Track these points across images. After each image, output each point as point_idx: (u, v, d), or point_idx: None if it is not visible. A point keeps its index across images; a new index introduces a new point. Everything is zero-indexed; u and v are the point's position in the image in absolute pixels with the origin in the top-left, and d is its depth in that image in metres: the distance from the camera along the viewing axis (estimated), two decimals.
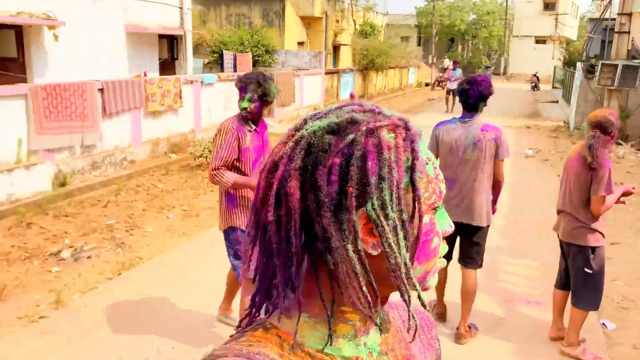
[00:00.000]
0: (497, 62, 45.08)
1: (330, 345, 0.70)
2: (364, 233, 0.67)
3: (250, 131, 3.28)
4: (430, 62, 34.75)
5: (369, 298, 0.67)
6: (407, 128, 0.70)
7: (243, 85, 3.20)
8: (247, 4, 19.79)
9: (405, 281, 0.67)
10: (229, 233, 3.37)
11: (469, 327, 3.81)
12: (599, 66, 11.23)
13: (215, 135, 3.27)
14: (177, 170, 8.84)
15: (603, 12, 14.29)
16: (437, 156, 3.63)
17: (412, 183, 0.67)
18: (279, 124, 12.84)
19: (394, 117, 0.71)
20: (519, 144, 11.73)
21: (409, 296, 0.68)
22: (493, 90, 3.53)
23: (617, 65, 10.96)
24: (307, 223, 0.67)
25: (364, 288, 0.67)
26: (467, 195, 3.55)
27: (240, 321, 0.75)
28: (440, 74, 30.36)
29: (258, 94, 3.20)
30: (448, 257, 3.78)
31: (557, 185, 3.93)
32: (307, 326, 0.71)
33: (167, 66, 13.25)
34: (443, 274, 3.84)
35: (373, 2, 25.31)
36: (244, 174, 3.26)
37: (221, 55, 15.57)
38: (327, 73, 17.77)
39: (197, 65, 15.59)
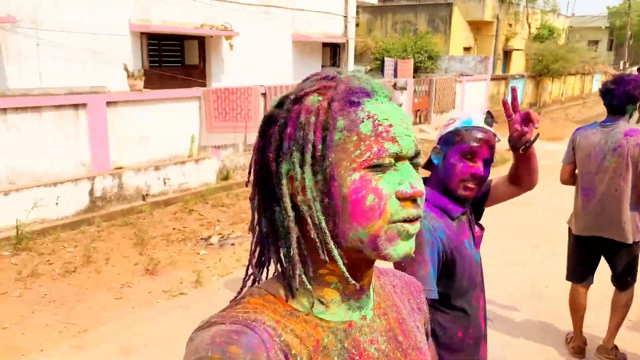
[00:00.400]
0: None
1: (318, 309, 0.72)
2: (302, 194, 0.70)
3: None
4: (621, 67, 30.78)
5: (325, 255, 0.70)
6: (337, 88, 0.70)
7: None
8: (413, 10, 19.71)
9: (320, 241, 0.69)
10: None
11: (615, 349, 3.33)
12: None
13: None
14: None
15: None
16: (573, 164, 3.28)
17: (324, 142, 0.68)
18: (434, 130, 12.53)
19: (337, 79, 0.72)
20: None
21: (328, 256, 0.70)
22: None
23: None
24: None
25: (318, 244, 0.69)
26: (607, 207, 3.13)
27: (240, 290, 0.77)
28: None
29: None
30: (584, 278, 3.37)
31: None
32: (298, 291, 0.72)
33: None
34: (581, 300, 3.37)
35: (553, 3, 23.20)
36: None
37: (382, 62, 15.75)
38: (493, 79, 16.84)
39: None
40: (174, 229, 5.92)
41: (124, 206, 6.60)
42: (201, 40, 10.20)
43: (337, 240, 0.70)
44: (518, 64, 23.43)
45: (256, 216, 0.75)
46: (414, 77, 14.07)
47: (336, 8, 13.18)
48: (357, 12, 20.70)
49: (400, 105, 0.74)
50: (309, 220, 0.69)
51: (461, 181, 1.55)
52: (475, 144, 1.54)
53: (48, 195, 5.91)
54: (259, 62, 11.21)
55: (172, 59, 10.02)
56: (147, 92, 7.26)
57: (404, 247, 0.70)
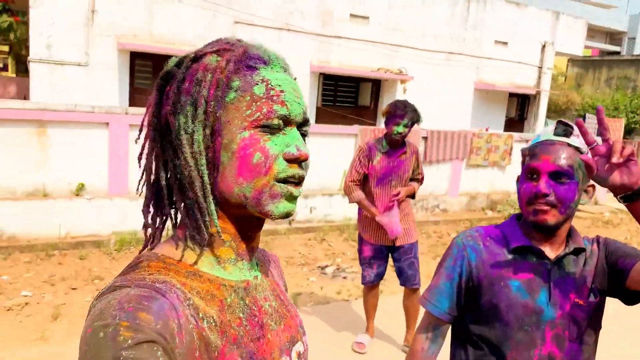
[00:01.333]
0: None
1: (217, 268, 0.75)
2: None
3: (381, 152, 3.58)
4: None
5: (198, 214, 0.73)
6: (233, 50, 0.74)
7: (401, 113, 3.45)
8: (635, 65, 17.36)
9: (200, 195, 0.72)
10: (359, 242, 3.82)
11: None
12: None
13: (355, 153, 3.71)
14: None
15: None
16: None
17: (216, 99, 0.72)
18: None
19: (237, 44, 0.76)
20: None
21: (200, 211, 0.73)
22: None
23: None
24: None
25: (200, 199, 0.72)
26: None
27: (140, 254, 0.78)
28: None
29: (413, 120, 3.48)
30: None
31: None
32: (194, 252, 0.74)
33: (515, 124, 12.94)
34: None
35: None
36: (369, 187, 3.61)
37: (583, 118, 14.15)
38: None
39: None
40: (299, 253, 6.12)
41: (268, 226, 7.08)
42: (376, 83, 10.56)
43: (221, 196, 0.73)
44: None
45: (153, 170, 0.76)
46: (624, 139, 12.29)
47: (529, 58, 12.38)
48: (567, 65, 19.10)
49: None
50: (185, 173, 0.72)
51: (527, 204, 1.36)
52: (534, 161, 1.35)
53: None
54: (434, 107, 11.08)
55: (347, 99, 10.55)
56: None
57: (286, 207, 0.74)
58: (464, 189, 9.48)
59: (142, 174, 0.77)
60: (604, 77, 18.25)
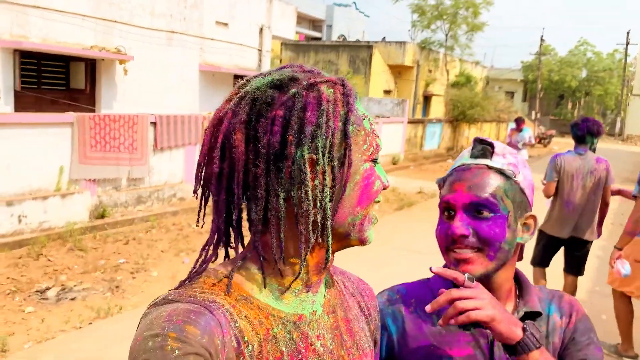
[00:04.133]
0: (612, 122, 41.22)
1: (272, 297, 0.75)
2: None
3: None
4: (533, 118, 32.59)
5: (302, 247, 0.73)
6: (344, 85, 0.76)
7: None
8: (335, 50, 19.78)
9: (310, 228, 0.72)
10: None
11: None
12: None
13: None
14: None
15: None
16: (556, 181, 4.19)
17: (345, 133, 0.73)
18: None
19: (339, 78, 0.77)
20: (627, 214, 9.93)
21: (306, 244, 0.73)
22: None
23: None
24: (245, 174, 0.72)
25: (305, 235, 0.73)
26: (583, 215, 4.21)
27: (192, 270, 0.75)
28: (543, 131, 28.20)
29: None
30: (548, 264, 4.46)
31: None
32: (255, 278, 0.75)
33: None
34: (545, 276, 4.40)
35: (469, 52, 24.17)
36: None
37: None
38: (410, 122, 16.92)
39: None
40: (7, 277, 4.89)
41: None
42: (91, 63, 9.29)
43: (332, 227, 0.75)
44: (437, 109, 24.02)
45: (236, 194, 0.73)
46: None
47: (250, 41, 12.71)
48: (281, 49, 20.51)
49: None
50: (317, 204, 0.72)
51: (446, 251, 1.02)
52: (446, 193, 1.03)
53: None
54: (160, 90, 10.39)
55: (56, 81, 9.01)
56: (4, 114, 6.27)
57: (373, 233, 0.80)
58: None
59: (205, 193, 0.76)
60: (312, 61, 20.26)
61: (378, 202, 0.78)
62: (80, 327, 4.04)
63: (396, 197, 10.21)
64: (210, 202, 0.76)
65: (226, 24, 11.93)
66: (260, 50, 13.06)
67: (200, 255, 0.76)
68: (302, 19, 31.27)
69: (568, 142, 33.05)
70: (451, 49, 23.73)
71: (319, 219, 0.72)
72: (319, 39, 32.86)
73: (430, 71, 22.93)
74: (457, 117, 20.09)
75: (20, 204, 6.26)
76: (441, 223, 1.03)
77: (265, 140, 0.70)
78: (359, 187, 0.74)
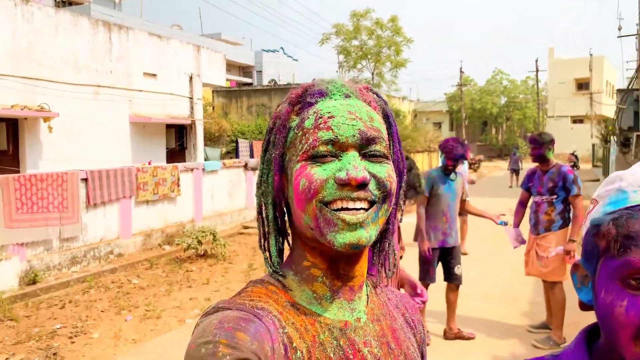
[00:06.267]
0: None
1: (314, 303, 0.76)
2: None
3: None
4: None
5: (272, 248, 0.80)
6: (295, 93, 0.81)
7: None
8: (267, 94, 20.05)
9: (263, 232, 0.81)
10: None
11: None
12: (634, 138, 10.19)
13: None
14: (163, 264, 8.11)
15: (631, 82, 13.37)
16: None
17: (276, 143, 0.78)
18: None
19: (302, 85, 0.82)
20: None
21: (268, 254, 0.80)
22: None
23: None
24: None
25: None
26: None
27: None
28: (472, 157, 29.63)
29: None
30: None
31: None
32: (295, 284, 0.78)
33: (177, 155, 13.04)
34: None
35: (395, 88, 25.26)
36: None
37: (236, 143, 15.42)
38: None
39: (215, 154, 15.45)
40: None
41: None
42: (13, 123, 8.91)
43: (298, 230, 0.78)
44: None
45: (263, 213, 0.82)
46: None
47: (179, 89, 12.66)
48: (213, 96, 20.55)
49: None
50: (261, 211, 0.81)
51: (635, 339, 0.66)
52: (636, 252, 0.66)
53: None
54: (89, 145, 10.08)
55: None
56: None
57: (346, 237, 0.71)
58: (138, 228, 8.90)
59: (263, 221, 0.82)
60: (245, 105, 20.40)
61: (352, 198, 0.71)
62: None
63: None
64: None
65: (154, 75, 11.86)
66: (191, 98, 13.03)
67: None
68: (231, 66, 31.59)
69: (496, 165, 34.79)
70: (378, 86, 24.68)
71: (271, 223, 0.80)
72: (250, 84, 33.22)
73: None
74: None
75: None
76: (627, 296, 0.66)
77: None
78: (292, 189, 0.75)
